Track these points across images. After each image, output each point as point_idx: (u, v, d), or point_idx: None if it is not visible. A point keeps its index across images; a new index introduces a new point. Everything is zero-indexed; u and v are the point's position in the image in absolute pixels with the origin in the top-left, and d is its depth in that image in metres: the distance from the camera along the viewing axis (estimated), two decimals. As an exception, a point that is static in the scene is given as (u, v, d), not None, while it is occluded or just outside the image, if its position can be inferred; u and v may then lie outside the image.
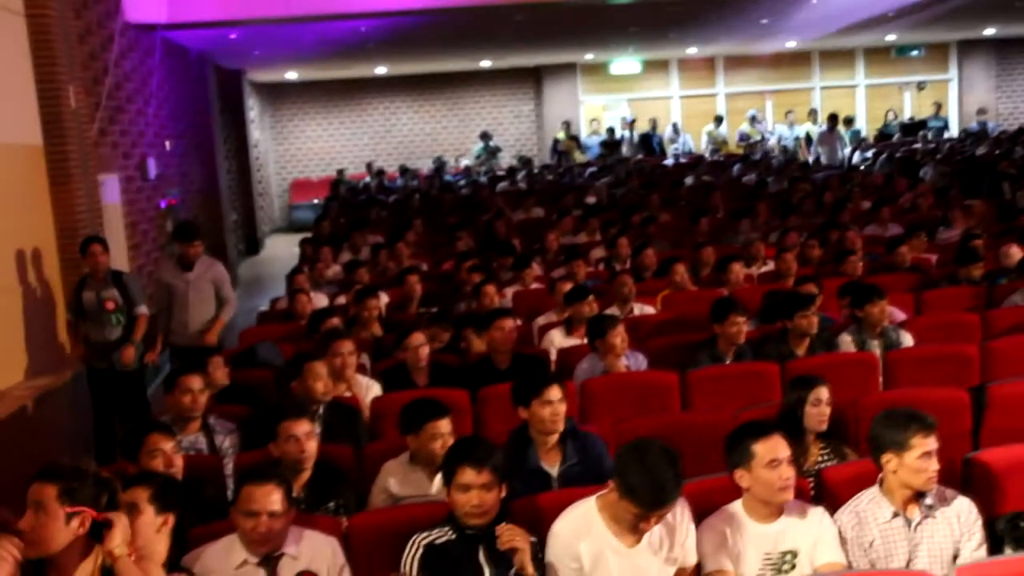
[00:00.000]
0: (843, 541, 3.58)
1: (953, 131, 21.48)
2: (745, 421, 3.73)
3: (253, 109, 19.80)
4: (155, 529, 3.41)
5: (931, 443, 3.51)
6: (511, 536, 3.36)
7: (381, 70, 20.41)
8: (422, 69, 20.65)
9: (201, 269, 7.72)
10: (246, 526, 3.51)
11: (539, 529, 3.56)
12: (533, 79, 21.83)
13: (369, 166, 19.69)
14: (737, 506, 3.62)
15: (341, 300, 8.39)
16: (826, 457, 4.50)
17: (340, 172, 19.55)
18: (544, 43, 17.46)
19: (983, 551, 3.56)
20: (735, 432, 3.66)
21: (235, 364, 6.61)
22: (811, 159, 18.14)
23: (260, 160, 20.01)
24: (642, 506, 3.30)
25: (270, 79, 20.84)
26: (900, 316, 6.83)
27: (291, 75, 20.44)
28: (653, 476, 3.27)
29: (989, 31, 20.67)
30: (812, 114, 20.90)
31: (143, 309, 7.41)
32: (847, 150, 18.66)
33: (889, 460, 3.56)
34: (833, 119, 18.69)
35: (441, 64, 20.11)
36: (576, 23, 15.14)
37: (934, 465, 3.51)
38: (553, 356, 6.55)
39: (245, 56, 16.39)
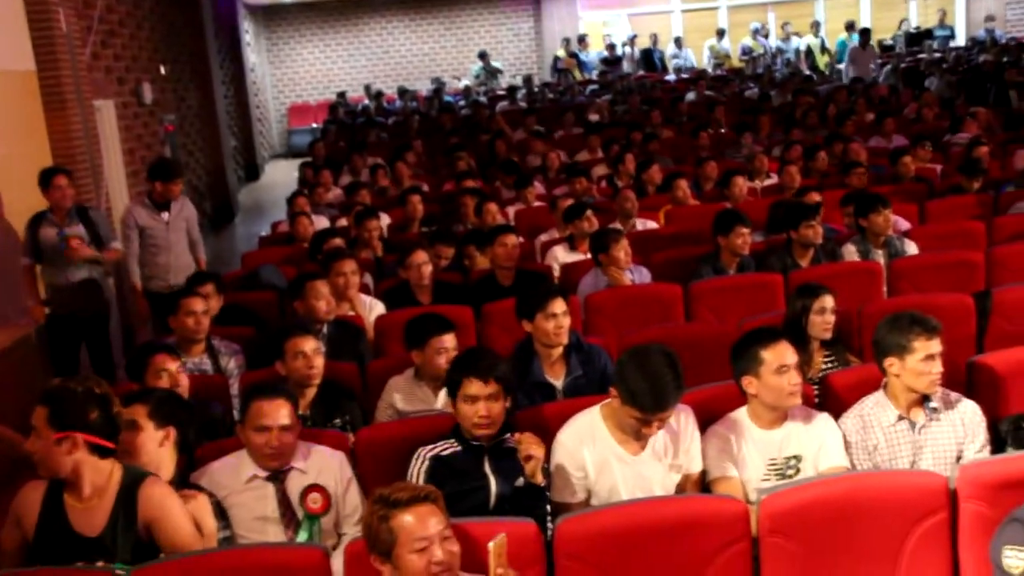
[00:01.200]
0: (848, 445, 3.60)
1: (960, 40, 21.15)
2: (752, 329, 3.72)
3: (248, 32, 19.54)
4: (157, 444, 3.44)
5: (934, 346, 3.50)
6: (528, 443, 3.38)
7: (376, -11, 20.12)
8: (418, -13, 20.36)
9: (177, 209, 7.15)
10: (258, 441, 3.53)
11: (544, 440, 3.57)
12: (532, -5, 21.52)
13: (367, 88, 19.48)
14: (741, 413, 3.63)
15: (343, 223, 8.36)
16: (830, 364, 4.51)
17: (341, 95, 19.34)
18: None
19: (986, 452, 3.57)
20: (742, 339, 3.65)
21: (238, 287, 6.61)
22: (845, 78, 16.89)
23: (257, 84, 19.81)
24: (643, 410, 3.31)
25: (264, 0, 20.53)
26: (904, 225, 6.81)
27: (286, -5, 20.16)
28: (653, 380, 3.28)
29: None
30: (815, 26, 20.56)
31: (116, 245, 6.95)
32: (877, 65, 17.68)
33: (892, 364, 3.56)
34: (865, 33, 17.92)
35: (437, -18, 19.81)
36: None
37: (937, 368, 3.50)
38: (556, 272, 6.55)
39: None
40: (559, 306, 4.29)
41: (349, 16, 21.34)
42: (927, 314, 3.67)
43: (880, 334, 3.63)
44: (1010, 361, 4.03)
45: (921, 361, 3.48)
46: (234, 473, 3.57)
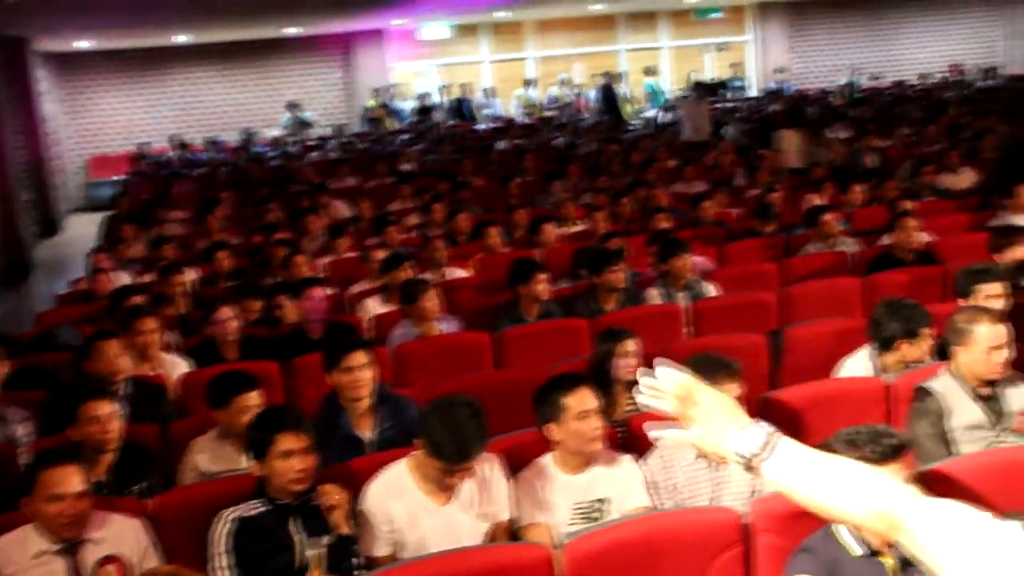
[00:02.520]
0: (651, 485, 3.68)
1: (753, 91, 22.35)
2: (552, 376, 3.78)
3: (42, 81, 18.72)
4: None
5: (735, 388, 3.64)
6: (331, 494, 3.31)
7: (181, 38, 19.61)
8: (226, 37, 19.96)
9: None
10: (51, 511, 3.34)
11: (354, 495, 3.53)
12: (342, 47, 21.45)
13: (173, 139, 18.97)
14: (547, 459, 3.67)
15: (147, 278, 8.07)
16: (635, 406, 4.62)
17: (144, 146, 18.75)
18: (351, 9, 17.15)
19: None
20: (543, 388, 3.70)
21: (32, 348, 6.28)
22: (683, 135, 16.14)
23: (54, 136, 18.97)
24: (447, 461, 3.32)
25: (60, 48, 19.72)
26: (709, 266, 7.12)
27: (83, 44, 19.39)
28: (456, 431, 3.30)
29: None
30: (620, 76, 21.34)
31: None
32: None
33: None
34: (700, 87, 17.98)
35: (245, 32, 19.49)
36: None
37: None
38: (368, 324, 6.50)
39: (26, 22, 15.40)
40: (356, 359, 4.24)
41: (153, 65, 20.73)
42: (725, 354, 3.81)
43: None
44: (801, 396, 4.24)
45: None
46: (19, 549, 3.36)
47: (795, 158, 12.10)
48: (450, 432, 3.30)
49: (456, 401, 3.41)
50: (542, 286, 6.05)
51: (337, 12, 17.49)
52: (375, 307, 6.73)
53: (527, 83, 21.38)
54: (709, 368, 3.66)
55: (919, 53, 23.70)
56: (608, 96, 18.98)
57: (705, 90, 20.64)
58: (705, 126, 15.28)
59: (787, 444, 1.78)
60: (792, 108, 15.26)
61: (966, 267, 4.98)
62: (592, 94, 20.80)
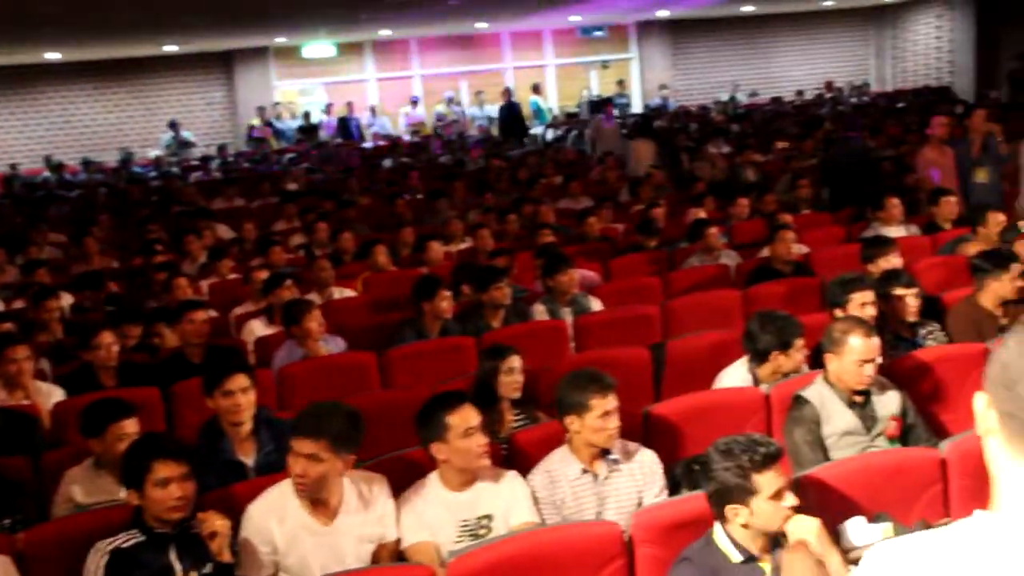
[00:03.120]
0: (536, 501, 3.69)
1: (637, 107, 22.72)
2: (434, 395, 3.76)
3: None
4: None
5: (610, 402, 3.67)
6: (211, 520, 3.24)
7: (54, 56, 19.02)
8: (101, 55, 19.41)
9: None
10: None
11: (235, 521, 3.46)
12: (223, 64, 21.07)
13: (47, 160, 18.36)
14: (432, 477, 3.66)
15: (18, 304, 7.80)
16: (521, 422, 4.64)
17: (13, 167, 18.10)
18: (232, 26, 16.89)
19: (664, 496, 3.78)
20: (426, 407, 3.68)
21: None
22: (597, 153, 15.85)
23: (-80, 158, 18.22)
24: (294, 432, 3.37)
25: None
26: (598, 280, 7.24)
27: (-56, 62, 18.67)
28: (314, 407, 3.36)
29: (663, 13, 21.96)
30: (506, 93, 21.48)
31: None
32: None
33: (572, 421, 3.70)
34: (607, 104, 17.65)
35: (122, 49, 18.99)
36: (263, 5, 14.74)
37: (614, 423, 3.67)
38: (251, 346, 6.39)
39: None
40: (237, 383, 4.16)
41: (24, 83, 20.03)
42: (608, 367, 3.85)
43: (560, 393, 3.77)
44: (682, 408, 4.31)
45: (598, 418, 3.64)
46: None
47: (646, 167, 12.46)
48: (309, 411, 3.41)
49: (333, 409, 3.44)
50: (446, 303, 6.05)
51: (217, 30, 17.21)
52: (258, 329, 6.63)
53: (414, 101, 21.37)
54: (583, 383, 3.69)
55: (795, 71, 24.41)
56: (513, 113, 19.03)
57: (595, 107, 20.95)
58: (612, 144, 14.86)
59: None
60: (643, 120, 15.70)
61: (837, 278, 5.14)
62: (479, 111, 20.90)
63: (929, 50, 23.52)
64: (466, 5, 16.38)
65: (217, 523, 3.25)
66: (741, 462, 2.88)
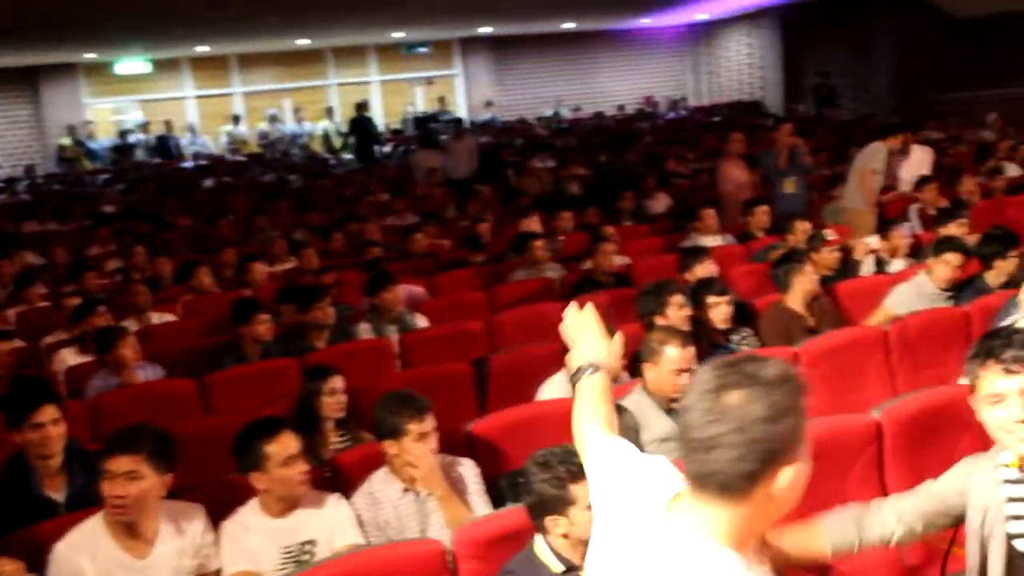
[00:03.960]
0: (360, 523, 3.64)
1: (463, 124, 22.87)
2: (249, 423, 3.65)
3: None
4: None
5: (426, 425, 3.65)
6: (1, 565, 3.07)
7: None
8: None
9: None
10: None
11: (42, 561, 3.28)
12: (28, 81, 20.08)
13: None
14: (252, 505, 3.56)
15: None
16: (345, 443, 4.58)
17: None
18: (36, 41, 16.12)
19: (481, 499, 3.78)
20: (242, 436, 3.58)
21: None
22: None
23: None
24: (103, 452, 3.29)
25: None
26: (426, 296, 7.27)
27: None
28: (123, 430, 3.28)
29: (485, 29, 22.20)
30: (329, 111, 21.29)
31: None
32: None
33: (390, 446, 3.68)
34: (459, 123, 17.47)
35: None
36: (68, 18, 14.13)
37: (431, 444, 3.66)
38: (63, 376, 6.10)
39: None
40: (45, 415, 3.97)
41: None
42: (432, 384, 3.84)
43: (376, 418, 3.74)
44: (505, 422, 4.33)
45: (415, 441, 3.63)
46: None
47: (435, 175, 13.02)
48: (119, 432, 3.34)
49: (140, 423, 3.35)
50: (263, 327, 5.91)
51: (19, 45, 16.38)
52: (70, 358, 6.33)
53: (235, 119, 20.91)
54: (398, 408, 3.67)
55: (616, 86, 25.06)
56: (363, 128, 18.73)
57: (420, 124, 20.98)
58: (468, 162, 14.40)
59: (592, 380, 2.23)
60: (424, 132, 15.99)
61: (645, 288, 5.31)
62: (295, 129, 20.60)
63: (741, 66, 24.56)
64: (287, 21, 16.15)
65: (8, 568, 3.07)
66: (558, 473, 2.91)
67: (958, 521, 2.61)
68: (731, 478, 1.51)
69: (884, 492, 3.86)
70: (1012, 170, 10.80)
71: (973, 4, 16.74)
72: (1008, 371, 2.34)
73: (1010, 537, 2.51)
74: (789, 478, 1.53)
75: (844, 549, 2.54)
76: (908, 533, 2.58)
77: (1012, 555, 2.51)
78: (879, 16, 18.93)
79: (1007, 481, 2.52)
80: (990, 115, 14.98)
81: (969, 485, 2.55)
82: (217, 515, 3.57)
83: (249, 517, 3.53)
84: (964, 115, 15.91)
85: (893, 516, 2.57)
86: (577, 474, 2.90)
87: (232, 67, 21.91)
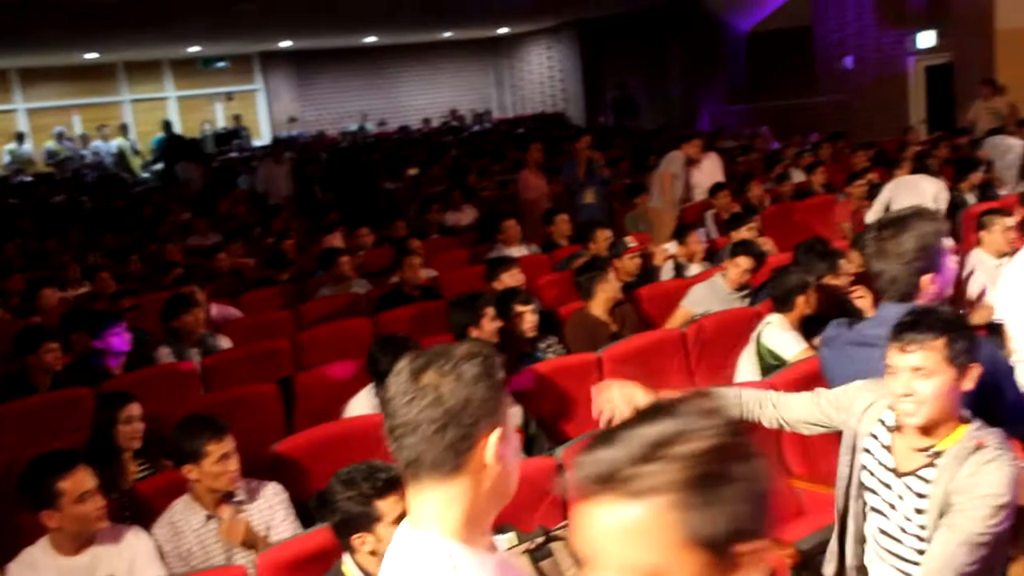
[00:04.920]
0: (162, 555, 3.51)
1: (266, 140, 22.42)
2: (38, 458, 3.45)
3: None
4: None
5: (226, 445, 3.56)
6: None
7: None
8: None
9: None
10: None
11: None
12: None
13: None
14: (43, 543, 3.37)
15: None
16: (146, 472, 4.40)
17: None
18: None
19: (289, 523, 3.70)
20: (30, 473, 3.38)
21: None
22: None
23: None
24: None
25: None
26: (237, 314, 7.13)
27: None
28: None
29: (286, 44, 21.85)
30: (124, 128, 20.48)
31: None
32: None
33: (190, 470, 3.56)
34: (278, 144, 16.72)
35: None
36: None
37: (232, 465, 3.56)
38: None
39: None
40: None
41: None
42: (237, 406, 3.74)
43: (174, 443, 3.61)
44: (311, 441, 4.26)
45: (216, 463, 3.52)
46: None
47: (198, 185, 12.82)
48: None
49: None
50: (51, 355, 5.61)
51: None
52: None
53: (19, 137, 19.80)
54: (196, 430, 3.56)
55: (421, 100, 25.13)
56: (176, 145, 17.91)
57: (221, 140, 20.45)
58: (284, 186, 13.60)
59: None
60: (189, 143, 15.84)
61: (456, 299, 5.33)
62: (99, 146, 19.72)
63: (543, 79, 25.08)
64: (70, 34, 15.42)
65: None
66: (363, 490, 2.88)
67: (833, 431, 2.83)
68: (439, 454, 1.56)
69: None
70: (797, 176, 11.41)
71: (748, 20, 17.69)
72: (902, 350, 2.52)
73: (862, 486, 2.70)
74: (495, 444, 1.59)
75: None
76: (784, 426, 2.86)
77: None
78: (672, 31, 19.72)
79: (872, 435, 2.68)
80: (760, 128, 15.84)
81: (853, 409, 2.73)
82: (1, 558, 3.36)
83: (39, 557, 3.34)
84: (753, 125, 16.73)
85: (776, 414, 2.83)
86: (382, 490, 2.87)
87: (13, 82, 20.72)
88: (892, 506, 2.62)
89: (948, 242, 3.01)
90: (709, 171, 10.02)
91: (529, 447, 4.28)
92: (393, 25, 19.81)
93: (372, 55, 24.17)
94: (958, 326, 2.55)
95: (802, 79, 16.97)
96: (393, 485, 2.90)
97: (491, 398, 1.59)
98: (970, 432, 2.52)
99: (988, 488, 2.39)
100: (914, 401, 2.49)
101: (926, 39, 15.40)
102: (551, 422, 4.74)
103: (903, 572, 2.63)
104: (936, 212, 3.73)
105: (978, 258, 6.18)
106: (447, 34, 23.52)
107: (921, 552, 2.54)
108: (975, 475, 2.42)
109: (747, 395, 2.88)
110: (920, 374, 2.48)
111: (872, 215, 8.04)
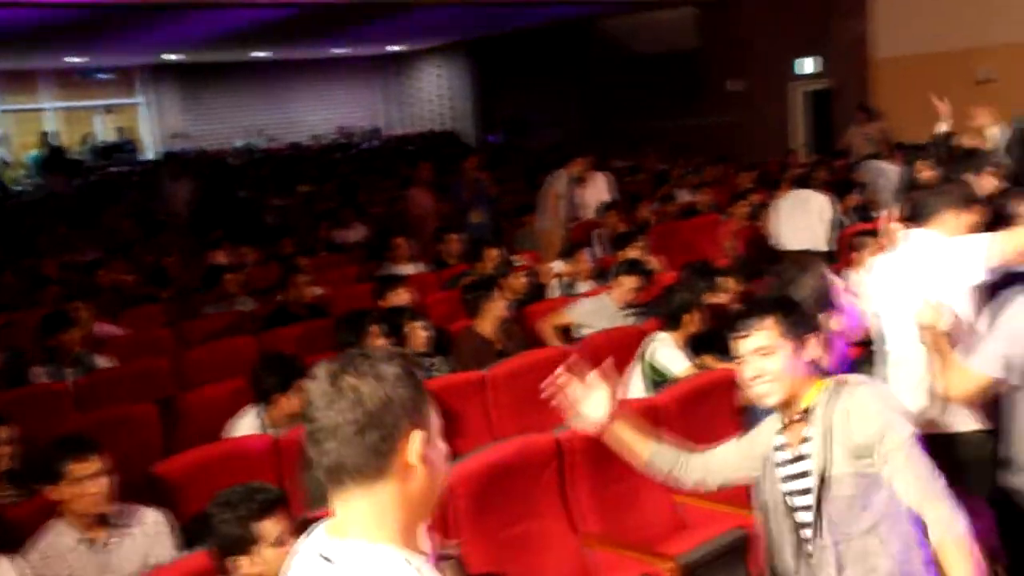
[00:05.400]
0: (33, 581, 3.37)
1: (150, 154, 21.93)
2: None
3: None
4: None
5: (91, 466, 3.43)
6: None
7: None
8: None
9: None
10: None
11: None
12: None
13: None
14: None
15: None
16: (17, 498, 4.23)
17: None
18: None
19: (175, 555, 3.61)
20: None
21: None
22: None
23: None
24: None
25: None
26: (118, 331, 6.95)
27: None
28: None
29: (172, 57, 21.40)
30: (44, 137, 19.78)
31: None
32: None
33: (54, 491, 3.44)
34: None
35: None
36: None
37: (94, 488, 3.43)
38: None
39: None
40: None
41: None
42: (114, 426, 3.63)
43: (35, 464, 3.49)
44: (192, 463, 4.16)
45: (80, 483, 3.41)
46: None
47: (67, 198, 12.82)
48: None
49: None
50: None
51: None
52: None
53: None
54: (60, 451, 3.46)
55: (311, 116, 24.93)
56: (56, 159, 17.23)
57: (104, 154, 19.93)
58: (188, 203, 12.80)
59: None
60: (64, 156, 15.48)
61: (343, 317, 5.28)
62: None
63: (433, 97, 25.12)
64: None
65: None
66: (240, 512, 2.82)
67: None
68: (361, 457, 1.53)
69: (566, 505, 4.06)
70: (684, 196, 11.64)
71: (646, 43, 18.00)
72: (741, 337, 2.68)
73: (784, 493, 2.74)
74: (419, 444, 1.56)
75: (657, 468, 2.94)
76: (719, 482, 2.94)
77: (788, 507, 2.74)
78: (565, 52, 19.92)
79: (777, 448, 2.75)
80: (646, 149, 16.14)
81: (758, 439, 2.84)
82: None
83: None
84: (643, 145, 16.99)
85: (703, 467, 2.93)
86: (260, 511, 2.82)
87: None
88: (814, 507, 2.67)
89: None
90: (598, 191, 10.15)
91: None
92: (283, 40, 19.58)
93: (263, 70, 23.88)
94: (784, 304, 2.76)
95: (691, 101, 17.34)
96: (273, 506, 2.85)
97: (412, 398, 1.56)
98: (828, 382, 2.68)
99: (875, 417, 2.54)
100: (766, 381, 2.64)
101: (807, 65, 15.91)
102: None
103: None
104: None
105: (853, 279, 6.37)
106: (338, 50, 23.37)
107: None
108: (852, 400, 2.59)
109: (685, 456, 2.96)
110: (762, 353, 2.64)
111: (771, 227, 8.27)
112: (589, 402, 2.82)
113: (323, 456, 1.55)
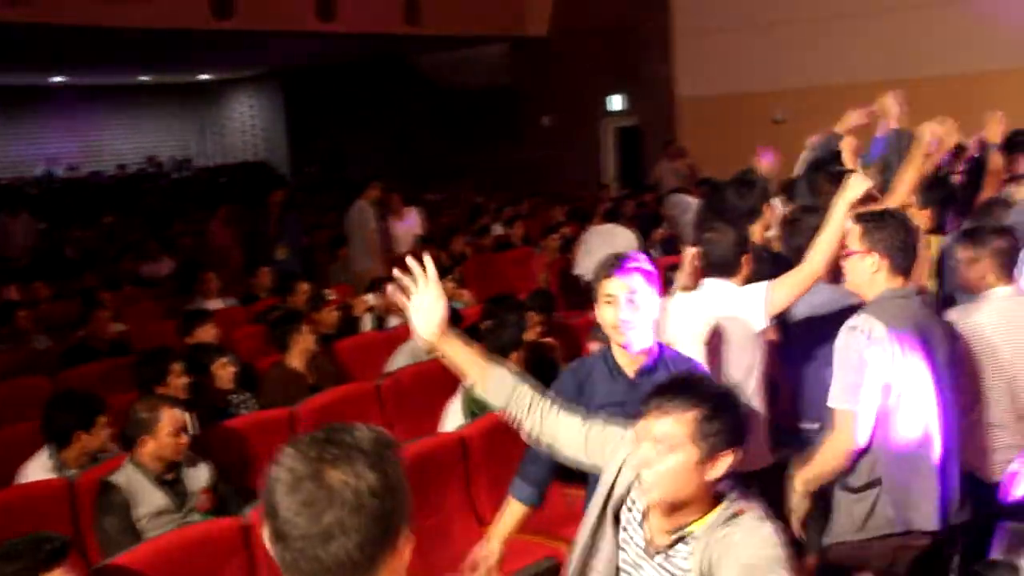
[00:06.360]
0: None
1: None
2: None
3: None
4: None
5: None
6: None
7: None
8: None
9: None
10: None
11: None
12: None
13: None
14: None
15: None
16: None
17: None
18: None
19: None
20: None
21: None
22: None
23: None
24: None
25: None
26: None
27: None
28: None
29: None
30: None
31: None
32: None
33: None
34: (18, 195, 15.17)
35: None
36: None
37: None
38: None
39: None
40: None
41: None
42: None
43: None
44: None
45: None
46: None
47: None
48: None
49: None
50: None
51: None
52: None
53: None
54: None
55: (119, 145, 24.03)
56: None
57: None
58: (25, 242, 11.92)
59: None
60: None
61: (144, 356, 5.10)
62: None
63: (246, 128, 24.66)
64: None
65: None
66: (26, 563, 2.68)
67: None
68: (358, 563, 1.36)
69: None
70: (498, 229, 11.79)
71: (463, 78, 18.22)
72: (650, 414, 2.20)
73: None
74: (407, 541, 1.43)
75: (493, 394, 2.72)
76: (565, 457, 2.64)
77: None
78: (384, 85, 19.91)
79: (629, 503, 2.40)
80: (463, 183, 16.38)
81: (615, 457, 2.45)
82: None
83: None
84: (460, 178, 17.15)
85: (540, 428, 2.65)
86: (46, 561, 2.69)
87: None
88: None
89: None
90: (410, 224, 10.16)
91: (223, 508, 4.11)
92: (81, 64, 18.69)
93: (64, 95, 22.82)
94: (720, 402, 2.20)
95: (507, 136, 17.61)
96: (59, 556, 2.72)
97: (408, 495, 1.41)
98: (725, 506, 2.21)
99: (759, 550, 2.10)
100: (651, 475, 2.18)
101: (616, 103, 16.44)
102: (242, 481, 4.58)
103: None
104: None
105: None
106: (144, 78, 22.61)
107: None
108: (733, 536, 2.14)
109: (523, 389, 2.69)
110: (661, 446, 2.16)
111: (578, 260, 8.36)
112: (421, 311, 2.60)
113: (308, 563, 1.37)
